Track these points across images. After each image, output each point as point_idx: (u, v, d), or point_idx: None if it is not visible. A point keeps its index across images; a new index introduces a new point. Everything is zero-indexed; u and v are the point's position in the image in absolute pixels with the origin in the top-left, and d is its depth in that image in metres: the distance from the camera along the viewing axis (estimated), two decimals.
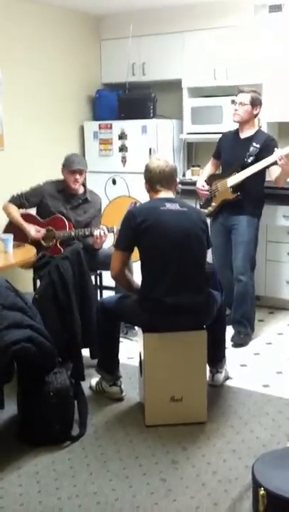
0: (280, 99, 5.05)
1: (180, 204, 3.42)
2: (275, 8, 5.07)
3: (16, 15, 5.16)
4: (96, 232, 4.41)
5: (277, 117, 5.16)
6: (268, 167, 4.37)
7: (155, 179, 3.45)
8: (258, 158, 4.37)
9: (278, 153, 4.23)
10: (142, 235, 3.31)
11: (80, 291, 3.69)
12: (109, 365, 3.66)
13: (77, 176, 4.55)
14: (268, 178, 4.52)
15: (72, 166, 4.53)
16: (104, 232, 4.42)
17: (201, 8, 5.35)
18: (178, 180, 3.63)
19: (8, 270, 3.95)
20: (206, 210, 4.64)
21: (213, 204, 4.67)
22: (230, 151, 4.60)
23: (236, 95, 4.51)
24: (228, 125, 4.89)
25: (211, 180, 4.74)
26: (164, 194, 3.45)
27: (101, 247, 4.54)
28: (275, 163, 4.29)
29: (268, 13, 5.09)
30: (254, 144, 4.41)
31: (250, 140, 4.46)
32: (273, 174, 4.39)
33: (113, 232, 4.41)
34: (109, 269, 3.53)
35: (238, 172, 4.44)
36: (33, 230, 4.49)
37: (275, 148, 4.30)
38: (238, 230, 4.53)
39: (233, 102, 4.64)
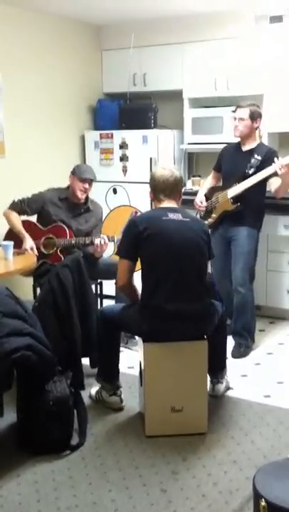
0: (281, 109, 5.06)
1: (183, 214, 3.40)
2: (276, 19, 5.09)
3: (18, 24, 5.17)
4: (96, 241, 4.40)
5: (277, 127, 5.17)
6: (268, 178, 4.37)
7: (159, 188, 3.44)
8: (259, 170, 4.37)
9: (279, 162, 4.23)
10: (144, 243, 3.30)
11: (80, 300, 3.67)
12: (109, 374, 3.64)
13: (87, 186, 4.55)
14: (268, 190, 4.52)
15: (84, 175, 4.53)
16: (104, 241, 4.41)
17: (202, 19, 5.37)
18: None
19: (8, 277, 3.94)
20: (206, 222, 4.63)
21: (214, 215, 4.66)
22: (232, 162, 4.60)
23: (235, 110, 4.50)
24: (229, 135, 4.91)
25: (211, 192, 4.74)
26: (167, 204, 3.44)
27: (101, 256, 4.53)
28: (275, 174, 4.29)
29: (268, 24, 5.12)
30: (255, 156, 4.41)
31: (251, 152, 4.46)
32: (273, 186, 4.38)
33: (114, 241, 4.40)
34: (110, 278, 3.51)
35: (238, 183, 4.44)
36: (30, 244, 4.38)
37: (275, 159, 4.30)
38: (238, 241, 4.52)
39: (233, 114, 4.62)
